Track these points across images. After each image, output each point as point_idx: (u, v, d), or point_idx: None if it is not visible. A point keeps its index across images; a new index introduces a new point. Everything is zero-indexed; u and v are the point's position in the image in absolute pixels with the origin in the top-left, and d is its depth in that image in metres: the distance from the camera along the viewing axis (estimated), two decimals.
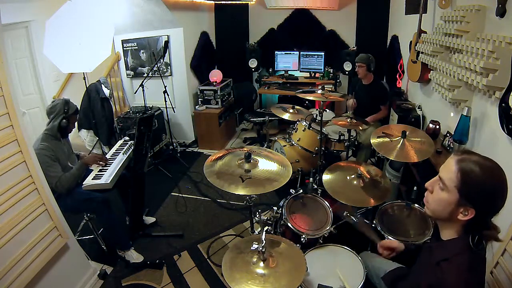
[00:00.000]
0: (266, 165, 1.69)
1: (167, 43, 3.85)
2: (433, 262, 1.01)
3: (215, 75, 4.31)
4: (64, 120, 2.20)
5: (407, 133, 2.06)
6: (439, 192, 1.01)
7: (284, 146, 3.06)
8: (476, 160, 0.95)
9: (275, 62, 4.57)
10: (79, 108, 3.65)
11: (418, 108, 2.98)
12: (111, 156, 2.60)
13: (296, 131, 3.01)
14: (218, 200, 3.14)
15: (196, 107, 4.25)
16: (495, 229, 0.98)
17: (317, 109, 3.37)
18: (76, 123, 2.30)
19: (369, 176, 2.06)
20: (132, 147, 2.53)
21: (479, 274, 0.97)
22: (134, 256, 2.38)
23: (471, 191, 0.94)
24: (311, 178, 2.36)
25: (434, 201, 1.03)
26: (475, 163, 0.94)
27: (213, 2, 4.33)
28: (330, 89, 3.91)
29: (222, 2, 4.34)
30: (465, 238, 0.97)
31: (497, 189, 0.93)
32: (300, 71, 4.57)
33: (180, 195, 3.27)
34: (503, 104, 1.53)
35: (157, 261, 2.35)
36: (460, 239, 0.98)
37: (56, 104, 2.23)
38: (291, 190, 2.09)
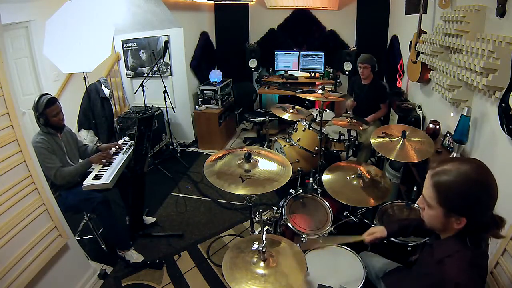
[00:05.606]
0: (266, 165, 1.69)
1: (167, 43, 3.85)
2: (435, 261, 1.01)
3: (215, 75, 4.31)
4: (40, 119, 2.18)
5: (407, 133, 2.06)
6: (427, 209, 1.02)
7: (284, 146, 3.06)
8: (449, 169, 0.93)
9: (275, 62, 4.57)
10: (79, 108, 3.73)
11: (418, 108, 2.98)
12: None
13: (296, 131, 3.01)
14: (218, 200, 3.14)
15: (196, 107, 4.25)
16: (501, 220, 0.95)
17: (317, 109, 3.37)
18: (62, 115, 2.27)
19: (369, 176, 2.06)
20: (132, 147, 2.53)
21: (481, 269, 0.97)
22: (134, 256, 2.38)
23: (452, 203, 0.93)
24: (311, 178, 2.37)
25: (426, 217, 1.04)
26: (448, 173, 0.93)
27: (213, 2, 4.32)
28: (330, 89, 3.91)
29: (222, 2, 4.34)
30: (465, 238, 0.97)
31: (479, 190, 0.91)
32: (300, 71, 4.57)
33: (180, 195, 3.27)
34: (503, 104, 1.53)
35: (157, 261, 2.35)
36: (461, 237, 0.98)
37: (32, 105, 2.23)
38: (291, 190, 2.09)
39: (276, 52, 4.52)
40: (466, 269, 0.92)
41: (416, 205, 1.93)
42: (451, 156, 2.08)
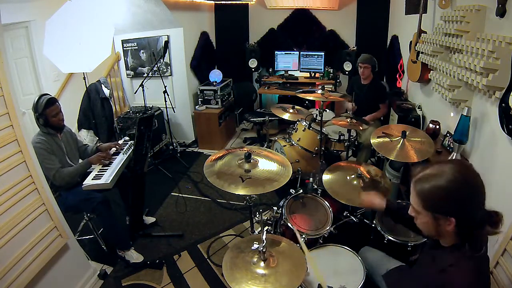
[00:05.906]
0: (266, 165, 1.69)
1: (167, 43, 3.85)
2: (438, 270, 1.00)
3: (215, 75, 4.31)
4: (39, 119, 2.18)
5: (407, 133, 2.06)
6: (418, 217, 1.03)
7: (284, 146, 3.06)
8: (429, 173, 0.95)
9: (275, 62, 4.57)
10: (79, 108, 3.73)
11: (418, 108, 2.98)
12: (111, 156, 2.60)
13: (296, 131, 3.01)
14: (218, 200, 3.14)
15: (196, 107, 4.25)
16: (496, 215, 0.93)
17: (317, 109, 3.37)
18: (61, 115, 2.27)
19: (369, 176, 2.06)
20: (132, 147, 2.53)
21: (484, 275, 0.98)
22: (134, 256, 2.38)
23: (436, 205, 0.94)
24: (311, 178, 2.36)
25: (420, 226, 1.06)
26: (428, 177, 0.95)
27: (213, 2, 4.32)
28: (330, 89, 3.91)
29: (222, 2, 4.34)
30: (466, 244, 0.97)
31: (463, 188, 0.92)
32: (300, 71, 4.57)
33: (180, 195, 3.27)
34: (503, 104, 1.53)
35: (157, 261, 2.35)
36: (462, 245, 0.98)
37: (32, 105, 2.22)
38: (291, 190, 2.09)
39: (276, 52, 4.51)
40: (469, 278, 0.92)
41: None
42: (450, 156, 2.08)
